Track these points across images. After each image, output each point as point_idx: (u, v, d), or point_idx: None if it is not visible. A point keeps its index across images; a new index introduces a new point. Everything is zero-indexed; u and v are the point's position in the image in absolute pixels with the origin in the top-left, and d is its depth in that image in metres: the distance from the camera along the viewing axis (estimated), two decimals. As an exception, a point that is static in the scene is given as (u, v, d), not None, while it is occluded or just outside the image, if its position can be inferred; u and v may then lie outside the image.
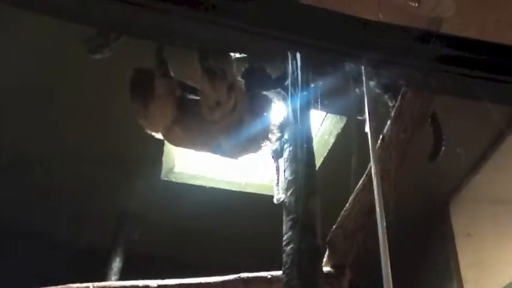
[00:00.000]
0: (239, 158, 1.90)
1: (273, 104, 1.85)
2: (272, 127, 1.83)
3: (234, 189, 3.24)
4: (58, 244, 3.38)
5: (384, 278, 1.27)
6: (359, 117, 1.61)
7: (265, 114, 1.83)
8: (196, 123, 1.82)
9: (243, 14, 1.32)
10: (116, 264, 3.18)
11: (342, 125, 2.87)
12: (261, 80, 1.78)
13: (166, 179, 3.19)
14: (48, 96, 2.64)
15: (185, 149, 1.98)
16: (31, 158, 2.97)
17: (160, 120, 1.85)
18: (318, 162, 2.94)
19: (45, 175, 3.06)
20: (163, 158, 3.03)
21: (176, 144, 1.95)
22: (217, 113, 1.76)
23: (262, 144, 1.84)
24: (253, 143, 1.83)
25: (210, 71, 1.71)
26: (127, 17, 1.38)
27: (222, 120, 1.76)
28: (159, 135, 1.91)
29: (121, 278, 3.09)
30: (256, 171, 3.15)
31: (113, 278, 3.10)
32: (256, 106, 1.83)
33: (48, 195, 3.19)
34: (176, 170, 3.19)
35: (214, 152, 1.88)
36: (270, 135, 1.83)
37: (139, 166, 3.01)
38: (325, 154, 3.02)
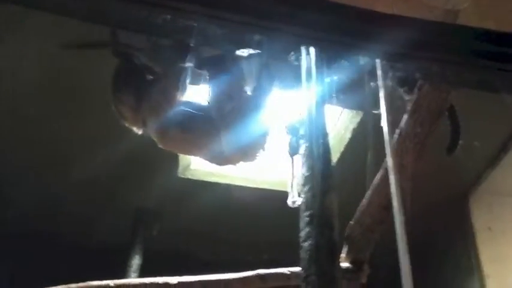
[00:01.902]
0: (236, 165, 1.86)
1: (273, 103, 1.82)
2: (286, 123, 1.82)
3: (250, 185, 3.24)
4: (77, 242, 3.42)
5: (403, 273, 1.26)
6: (375, 112, 1.60)
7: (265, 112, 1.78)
8: (198, 125, 1.77)
9: (254, 9, 1.32)
10: (135, 261, 3.21)
11: (358, 120, 2.85)
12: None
13: (182, 176, 3.21)
14: (68, 93, 2.67)
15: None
16: (52, 157, 3.01)
17: (153, 118, 1.77)
18: (335, 157, 2.93)
19: (63, 173, 3.10)
20: (180, 155, 3.05)
21: (171, 147, 1.86)
22: (228, 106, 1.74)
23: (258, 153, 1.81)
24: (252, 149, 1.80)
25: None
26: (142, 16, 1.39)
27: (230, 116, 1.74)
28: (140, 131, 1.83)
29: (140, 275, 3.13)
30: (272, 167, 3.14)
31: (132, 276, 3.14)
32: (259, 105, 1.79)
33: (65, 194, 3.23)
34: (192, 167, 3.20)
35: (214, 156, 1.82)
36: (265, 142, 1.79)
37: (156, 164, 3.03)
38: (342, 149, 3.01)
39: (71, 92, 2.66)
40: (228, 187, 3.22)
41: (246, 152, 1.80)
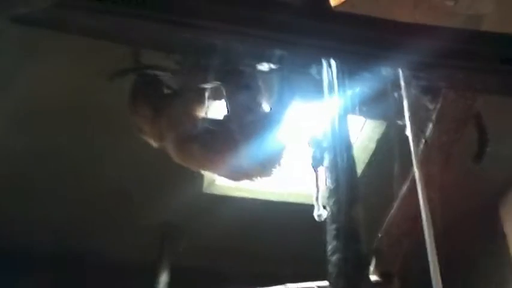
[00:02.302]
0: (254, 179, 1.84)
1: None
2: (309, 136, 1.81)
3: (275, 199, 3.23)
4: (104, 260, 3.44)
5: (434, 285, 1.24)
6: (399, 122, 1.59)
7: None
8: (217, 140, 1.76)
9: (274, 24, 1.33)
10: (163, 278, 3.21)
11: (382, 130, 2.82)
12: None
13: (208, 191, 3.21)
14: (94, 110, 2.71)
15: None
16: (76, 174, 3.05)
17: (171, 132, 1.77)
18: (359, 168, 2.89)
19: (88, 191, 3.14)
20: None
21: (187, 162, 1.83)
22: (247, 118, 1.75)
23: (275, 168, 1.80)
24: (270, 163, 1.78)
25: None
26: (164, 35, 1.41)
27: (249, 129, 1.74)
28: (156, 145, 1.83)
29: (168, 292, 3.13)
30: (297, 180, 3.13)
31: (160, 292, 3.14)
32: (278, 119, 1.78)
33: (91, 212, 3.26)
34: (217, 182, 3.21)
35: (231, 171, 1.81)
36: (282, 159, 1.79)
37: (181, 180, 3.05)
38: (367, 160, 2.98)
39: (96, 109, 2.70)
40: (253, 201, 3.21)
41: (264, 167, 1.79)
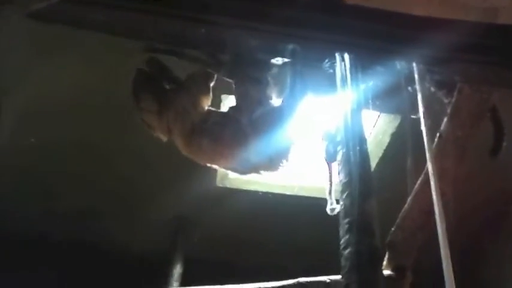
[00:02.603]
0: (261, 173, 1.84)
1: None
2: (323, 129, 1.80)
3: (288, 193, 3.24)
4: (118, 252, 3.48)
5: (446, 279, 1.23)
6: (413, 116, 1.58)
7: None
8: (226, 133, 1.76)
9: (287, 18, 1.32)
10: (176, 270, 3.24)
11: (396, 124, 2.81)
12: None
13: (221, 185, 3.23)
14: (107, 109, 2.74)
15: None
16: (90, 167, 3.09)
17: (179, 125, 1.78)
18: (373, 162, 2.88)
19: (101, 183, 3.17)
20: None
21: (196, 155, 1.83)
22: (257, 111, 1.75)
23: (283, 162, 1.79)
24: (278, 157, 1.78)
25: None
26: (177, 30, 1.42)
27: (259, 122, 1.74)
28: (165, 138, 1.83)
29: (181, 284, 3.16)
30: (309, 174, 3.13)
31: (174, 285, 3.17)
32: (290, 113, 1.78)
33: (104, 204, 3.30)
34: (231, 175, 3.22)
35: (239, 164, 1.80)
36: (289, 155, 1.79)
37: (195, 173, 3.06)
38: (380, 154, 2.97)
39: (108, 105, 2.73)
40: (265, 195, 3.22)
41: (272, 160, 1.78)
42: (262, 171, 1.83)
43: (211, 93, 1.85)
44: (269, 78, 1.78)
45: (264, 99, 1.78)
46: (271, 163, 1.79)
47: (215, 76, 1.83)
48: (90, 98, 2.70)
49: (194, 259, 3.30)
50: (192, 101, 1.81)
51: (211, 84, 1.84)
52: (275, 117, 1.75)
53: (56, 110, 2.75)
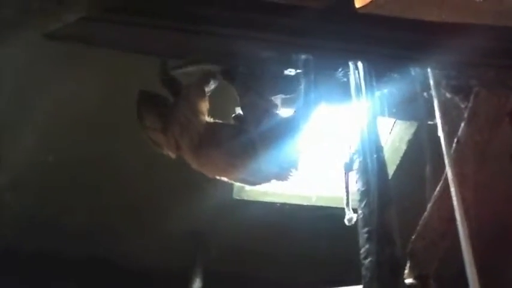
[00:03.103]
0: (272, 182, 1.83)
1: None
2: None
3: (305, 203, 3.22)
4: (136, 268, 3.48)
5: (471, 286, 1.21)
6: (430, 122, 1.56)
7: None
8: (235, 144, 1.76)
9: (300, 29, 1.33)
10: (196, 284, 3.23)
11: (412, 131, 2.78)
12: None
13: (238, 197, 3.22)
14: (119, 123, 2.76)
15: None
16: (107, 181, 3.11)
17: (185, 138, 1.79)
18: (391, 170, 2.86)
19: (118, 199, 3.19)
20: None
21: (207, 168, 1.84)
22: (265, 121, 1.76)
23: (292, 171, 1.77)
24: (288, 166, 1.78)
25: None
26: (191, 44, 1.43)
27: (268, 131, 1.74)
28: (174, 155, 1.85)
29: (201, 298, 3.15)
30: (326, 184, 3.11)
31: (194, 298, 3.16)
32: (301, 122, 1.78)
33: (122, 220, 3.31)
34: (247, 188, 3.21)
35: (249, 174, 1.80)
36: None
37: (211, 187, 3.06)
38: (398, 162, 2.94)
39: (126, 120, 2.75)
40: (283, 206, 3.20)
41: (283, 169, 1.77)
42: (272, 181, 1.83)
43: (207, 98, 1.84)
44: (272, 88, 1.78)
45: (271, 110, 1.78)
46: (282, 172, 1.79)
47: (210, 81, 1.83)
48: (107, 115, 2.73)
49: (213, 272, 3.29)
50: (192, 109, 1.81)
51: (207, 89, 1.84)
52: (284, 127, 1.75)
53: (73, 126, 2.78)
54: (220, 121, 1.87)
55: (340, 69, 1.54)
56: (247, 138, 1.76)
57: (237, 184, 3.14)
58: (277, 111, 1.80)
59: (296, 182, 3.12)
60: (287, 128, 1.75)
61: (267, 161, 1.75)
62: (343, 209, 1.81)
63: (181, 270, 3.28)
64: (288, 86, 1.75)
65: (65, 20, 1.13)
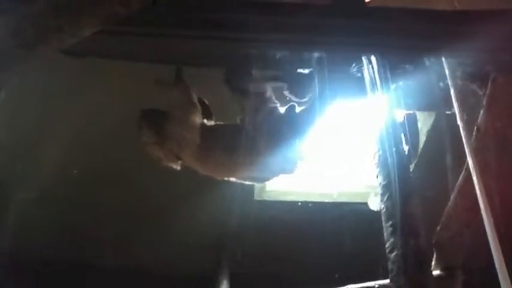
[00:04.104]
0: (280, 176, 1.84)
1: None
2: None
3: (327, 200, 3.21)
4: (163, 274, 3.51)
5: (500, 277, 1.20)
6: (448, 112, 1.55)
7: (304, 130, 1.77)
8: (237, 143, 1.77)
9: (310, 27, 1.33)
10: (223, 287, 3.24)
11: (431, 122, 2.75)
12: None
13: (259, 198, 3.23)
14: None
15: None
16: (130, 188, 3.15)
17: (185, 146, 1.81)
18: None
19: (144, 208, 3.22)
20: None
21: (214, 171, 1.87)
22: (259, 116, 1.76)
23: (298, 163, 1.78)
24: (294, 158, 1.77)
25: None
26: (204, 49, 1.44)
27: (265, 126, 1.75)
28: (178, 166, 1.88)
29: (229, 301, 3.16)
30: (348, 180, 3.09)
31: (222, 301, 3.17)
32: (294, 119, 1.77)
33: (148, 227, 3.34)
34: (268, 188, 3.22)
35: (256, 171, 1.81)
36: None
37: (232, 190, 3.07)
38: (418, 153, 2.91)
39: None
40: (305, 204, 3.20)
41: (288, 162, 1.78)
42: (280, 175, 1.83)
43: (197, 106, 1.85)
44: (264, 86, 1.77)
45: (262, 107, 1.77)
46: (288, 166, 1.78)
47: (191, 93, 1.84)
48: (130, 127, 2.77)
49: (239, 275, 3.30)
50: (185, 127, 1.83)
51: (195, 100, 1.85)
52: (287, 122, 1.75)
53: (97, 140, 2.82)
54: (221, 122, 1.89)
55: (353, 65, 1.53)
56: (249, 136, 1.77)
57: (257, 185, 3.16)
58: (274, 108, 1.79)
59: (316, 180, 3.13)
60: (290, 123, 1.75)
61: (272, 155, 1.75)
62: (365, 203, 1.81)
63: (208, 273, 3.30)
64: (299, 87, 1.75)
65: (80, 35, 1.16)
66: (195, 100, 1.85)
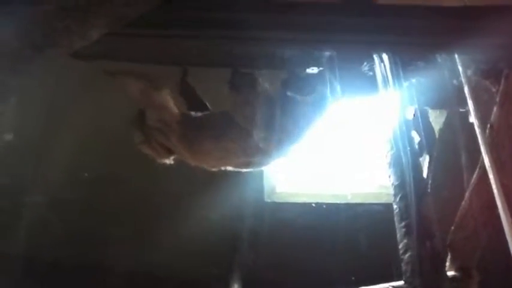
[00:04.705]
0: (275, 160, 1.81)
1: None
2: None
3: (340, 201, 3.18)
4: (174, 278, 3.50)
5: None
6: (462, 110, 1.52)
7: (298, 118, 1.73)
8: (225, 129, 1.77)
9: (320, 26, 1.32)
10: (237, 291, 3.23)
11: (443, 120, 2.72)
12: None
13: (269, 200, 3.21)
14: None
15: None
16: (144, 193, 3.16)
17: (171, 138, 1.82)
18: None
19: (157, 209, 3.22)
20: (264, 181, 3.07)
21: (208, 162, 1.87)
22: (247, 111, 1.74)
23: (293, 144, 1.74)
24: (288, 138, 1.72)
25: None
26: (212, 49, 1.44)
27: (255, 116, 1.72)
28: (171, 161, 1.90)
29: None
30: (361, 180, 3.07)
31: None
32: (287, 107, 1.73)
33: (159, 230, 3.34)
34: (278, 190, 3.20)
35: (249, 154, 1.79)
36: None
37: (242, 192, 3.07)
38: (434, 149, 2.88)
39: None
40: (317, 206, 3.18)
41: (282, 143, 1.72)
42: (275, 158, 1.80)
43: (162, 89, 1.84)
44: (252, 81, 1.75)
45: (252, 99, 1.74)
46: (281, 146, 1.74)
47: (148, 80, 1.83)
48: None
49: (252, 279, 3.28)
50: (158, 113, 1.83)
51: (159, 94, 1.85)
52: (276, 105, 1.70)
53: (108, 143, 2.83)
54: (207, 112, 1.87)
55: (365, 63, 1.51)
56: (232, 124, 1.76)
57: (268, 187, 3.14)
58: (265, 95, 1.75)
59: (327, 181, 3.11)
60: (283, 107, 1.70)
61: (263, 138, 1.73)
62: (380, 204, 1.78)
63: (221, 278, 3.29)
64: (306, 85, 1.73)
65: (88, 37, 1.16)
66: (157, 86, 1.83)
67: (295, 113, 1.69)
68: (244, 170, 1.91)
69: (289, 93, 1.67)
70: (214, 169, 1.90)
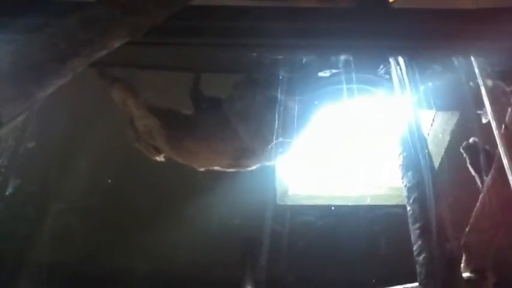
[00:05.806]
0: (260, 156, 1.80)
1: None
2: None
3: (351, 203, 3.18)
4: (188, 281, 3.52)
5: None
6: (479, 112, 1.52)
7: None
8: (210, 128, 1.78)
9: (336, 31, 1.33)
10: (249, 293, 3.24)
11: (455, 121, 2.72)
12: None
13: (282, 203, 3.21)
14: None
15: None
16: (160, 199, 3.18)
17: (157, 139, 1.86)
18: (436, 162, 2.80)
19: (173, 215, 3.24)
20: (277, 183, 3.07)
21: (193, 162, 1.89)
22: (238, 105, 1.75)
23: (283, 148, 1.74)
24: (271, 134, 1.71)
25: None
26: (230, 56, 1.45)
27: (246, 111, 1.73)
28: (161, 158, 1.93)
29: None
30: (372, 183, 3.06)
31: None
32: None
33: (177, 235, 3.36)
34: (290, 192, 3.20)
35: (236, 151, 1.79)
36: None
37: (254, 194, 3.07)
38: (442, 153, 2.87)
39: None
40: (329, 208, 3.18)
41: (265, 138, 1.72)
42: (261, 156, 1.79)
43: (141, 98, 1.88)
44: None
45: (246, 93, 1.75)
46: (266, 140, 1.73)
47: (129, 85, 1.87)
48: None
49: (265, 281, 3.29)
50: (140, 115, 1.87)
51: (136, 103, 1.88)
52: (265, 105, 1.71)
53: (126, 151, 2.86)
54: (191, 111, 1.89)
55: (381, 67, 1.52)
56: (225, 122, 1.77)
57: (280, 190, 3.15)
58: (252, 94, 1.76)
59: (339, 183, 3.11)
60: (272, 107, 1.70)
61: (251, 138, 1.74)
62: (399, 206, 1.78)
63: (234, 280, 3.30)
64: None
65: (109, 47, 1.18)
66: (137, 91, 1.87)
67: (284, 114, 1.69)
68: (231, 170, 1.91)
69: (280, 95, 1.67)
70: (201, 169, 1.92)
